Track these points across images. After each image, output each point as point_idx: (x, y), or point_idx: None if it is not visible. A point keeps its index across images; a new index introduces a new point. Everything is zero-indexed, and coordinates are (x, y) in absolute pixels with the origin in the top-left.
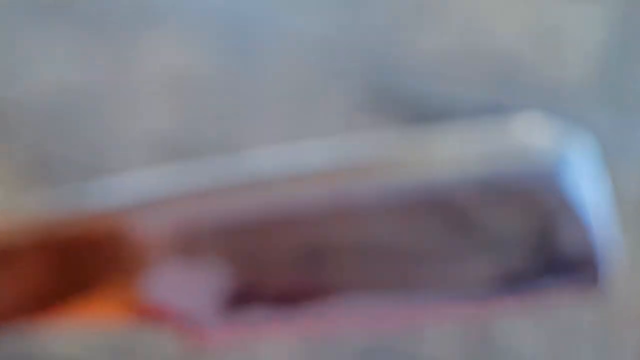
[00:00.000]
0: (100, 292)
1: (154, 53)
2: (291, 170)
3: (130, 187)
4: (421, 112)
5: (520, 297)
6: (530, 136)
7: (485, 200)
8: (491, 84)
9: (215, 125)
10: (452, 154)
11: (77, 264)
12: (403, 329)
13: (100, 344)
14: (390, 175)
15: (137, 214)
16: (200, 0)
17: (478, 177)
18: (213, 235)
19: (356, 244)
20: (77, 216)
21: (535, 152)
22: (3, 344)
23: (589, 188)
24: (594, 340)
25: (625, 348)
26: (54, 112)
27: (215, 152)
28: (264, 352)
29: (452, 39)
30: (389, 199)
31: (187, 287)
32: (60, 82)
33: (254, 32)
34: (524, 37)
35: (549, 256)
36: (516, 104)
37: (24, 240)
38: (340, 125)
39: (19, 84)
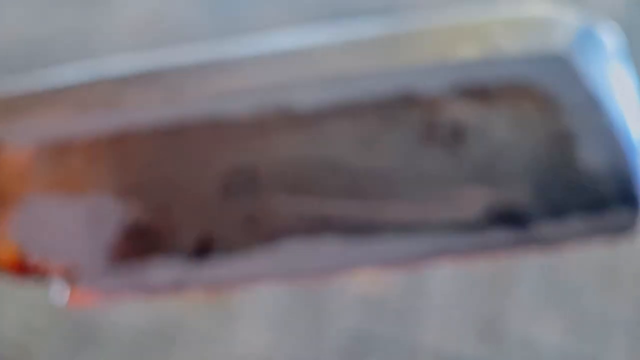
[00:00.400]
0: None
1: (122, 1)
2: (208, 62)
3: None
4: None
5: (524, 245)
6: (540, 11)
7: (474, 98)
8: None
9: None
10: (427, 31)
11: None
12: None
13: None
14: (342, 66)
15: None
16: None
17: (464, 63)
18: (97, 156)
19: (296, 165)
20: None
21: (546, 28)
22: None
23: (619, 85)
24: (618, 331)
25: None
26: (17, 64)
27: None
28: (245, 333)
29: None
30: (340, 98)
31: (64, 231)
32: (25, 33)
33: None
34: None
35: (567, 186)
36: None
37: None
38: None
39: None
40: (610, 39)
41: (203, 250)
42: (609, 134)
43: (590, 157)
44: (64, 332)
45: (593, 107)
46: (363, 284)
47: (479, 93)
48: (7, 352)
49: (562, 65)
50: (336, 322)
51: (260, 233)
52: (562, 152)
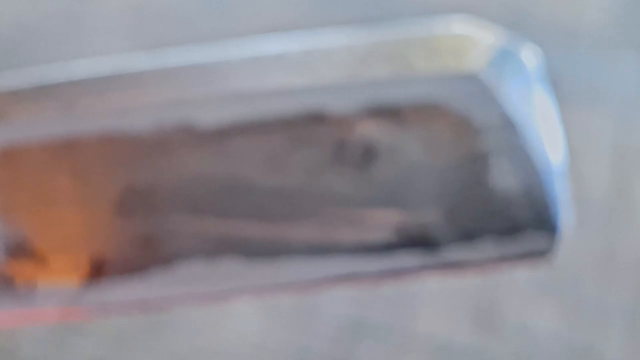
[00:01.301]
0: None
1: None
2: (108, 75)
3: None
4: None
5: (434, 270)
6: (459, 31)
7: (385, 118)
8: (506, 21)
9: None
10: (340, 49)
11: None
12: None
13: None
14: (246, 82)
15: None
16: None
17: (374, 82)
18: None
19: (198, 184)
20: None
21: (462, 47)
22: None
23: (536, 108)
24: (615, 316)
25: None
26: (3, 47)
27: None
28: (236, 324)
29: None
30: (245, 116)
31: None
32: (14, 17)
33: None
34: None
35: (478, 210)
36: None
37: None
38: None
39: None
40: (530, 60)
41: (95, 272)
42: (524, 157)
43: (505, 180)
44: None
45: (508, 129)
46: None
47: (391, 113)
48: None
49: (477, 85)
50: (328, 309)
51: (157, 255)
52: (476, 174)
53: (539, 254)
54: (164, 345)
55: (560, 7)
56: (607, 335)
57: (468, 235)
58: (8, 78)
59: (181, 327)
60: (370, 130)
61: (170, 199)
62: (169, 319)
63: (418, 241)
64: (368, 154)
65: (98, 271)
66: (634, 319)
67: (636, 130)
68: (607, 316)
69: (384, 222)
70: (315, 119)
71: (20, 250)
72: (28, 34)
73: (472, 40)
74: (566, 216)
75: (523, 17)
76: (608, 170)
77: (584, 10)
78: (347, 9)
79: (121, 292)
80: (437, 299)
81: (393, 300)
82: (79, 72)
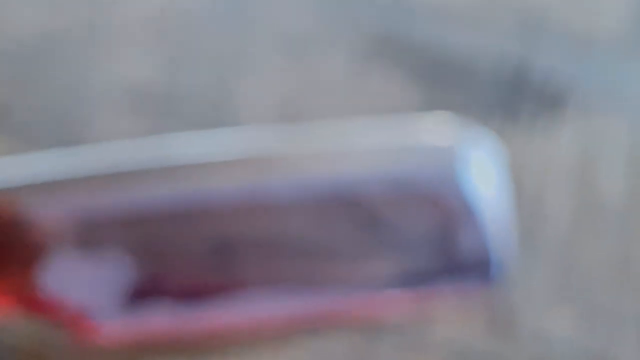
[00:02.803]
0: None
1: None
2: (203, 158)
3: (28, 168)
4: (434, 61)
5: (418, 294)
6: (438, 135)
7: (391, 199)
8: (517, 35)
9: (199, 74)
10: (362, 148)
11: None
12: (309, 326)
13: None
14: (302, 169)
15: (34, 198)
16: None
17: (386, 174)
18: (114, 225)
19: (265, 238)
20: None
21: (441, 153)
22: None
23: (491, 190)
24: (630, 322)
25: None
26: (26, 58)
27: (198, 101)
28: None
29: None
30: (299, 193)
31: (83, 279)
32: (34, 27)
33: None
34: None
35: (447, 257)
36: (541, 57)
37: None
38: (340, 74)
39: None
40: (489, 153)
41: (192, 297)
42: (475, 226)
43: (462, 240)
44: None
45: (466, 209)
46: None
47: (395, 198)
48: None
49: (448, 181)
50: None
51: (236, 285)
52: (445, 237)
53: (482, 285)
54: None
55: (575, 15)
56: (622, 341)
57: (437, 272)
58: (132, 152)
59: None
60: (380, 208)
61: (246, 250)
62: None
63: (404, 279)
64: (378, 223)
65: (193, 299)
66: None
67: None
68: (621, 322)
69: (386, 265)
70: (346, 199)
71: (137, 281)
72: (51, 43)
73: (447, 146)
74: (506, 264)
75: (537, 25)
76: (623, 177)
77: (598, 17)
78: (358, 24)
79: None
80: (455, 303)
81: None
82: (180, 154)
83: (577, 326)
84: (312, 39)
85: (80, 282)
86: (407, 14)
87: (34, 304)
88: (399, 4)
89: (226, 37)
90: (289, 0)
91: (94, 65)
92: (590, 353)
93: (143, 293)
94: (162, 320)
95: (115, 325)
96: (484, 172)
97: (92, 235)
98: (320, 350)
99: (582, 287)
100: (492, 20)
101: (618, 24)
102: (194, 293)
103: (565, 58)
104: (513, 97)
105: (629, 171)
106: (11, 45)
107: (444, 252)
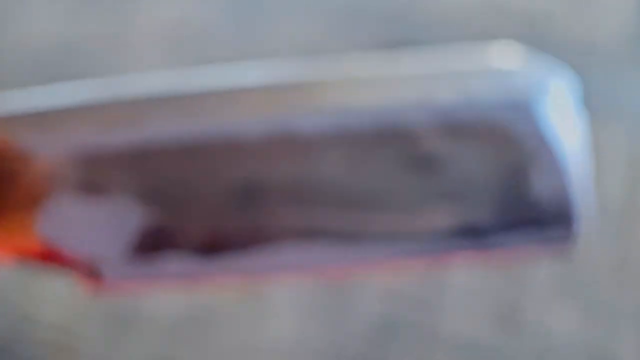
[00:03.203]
0: None
1: (153, 4)
2: (225, 88)
3: (26, 102)
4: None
5: (483, 252)
6: (508, 61)
7: (449, 134)
8: (521, 38)
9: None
10: (414, 75)
11: None
12: (346, 280)
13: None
14: (340, 99)
15: (31, 135)
16: None
17: (442, 104)
18: (122, 164)
19: (297, 182)
20: None
21: (512, 78)
22: None
23: (570, 128)
24: (630, 318)
25: None
26: (45, 66)
27: None
28: (273, 323)
29: None
30: (337, 127)
31: (89, 227)
32: (55, 37)
33: None
34: None
35: (518, 207)
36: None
37: None
38: None
39: (13, 36)
40: (567, 85)
41: (212, 248)
42: (555, 168)
43: (538, 185)
44: (105, 316)
45: (544, 145)
46: (386, 277)
47: (453, 130)
48: (48, 335)
49: (521, 109)
50: (361, 309)
51: (262, 237)
52: (517, 181)
53: (561, 242)
54: (208, 340)
55: (576, 23)
56: (623, 336)
57: (507, 227)
58: (141, 83)
59: (225, 323)
60: (435, 144)
61: (274, 193)
62: (214, 316)
63: (469, 231)
64: (431, 163)
65: (214, 247)
66: None
67: None
68: (622, 318)
69: (442, 216)
70: (392, 133)
71: (151, 228)
72: (69, 53)
73: (517, 72)
74: (586, 217)
75: (539, 34)
76: (622, 182)
77: (599, 26)
78: (373, 31)
79: (237, 265)
80: (463, 297)
81: (421, 299)
82: (199, 84)
83: (579, 321)
84: (325, 49)
85: (84, 230)
86: (414, 23)
87: (33, 253)
88: (407, 14)
89: (239, 50)
90: (301, 12)
91: (111, 75)
92: (592, 347)
93: (155, 244)
94: (176, 274)
95: (124, 278)
96: (563, 104)
97: (97, 176)
98: (330, 340)
99: (584, 283)
100: (495, 28)
101: (619, 31)
102: (213, 244)
103: (566, 64)
104: None
105: (628, 176)
106: (30, 55)
107: (514, 200)
